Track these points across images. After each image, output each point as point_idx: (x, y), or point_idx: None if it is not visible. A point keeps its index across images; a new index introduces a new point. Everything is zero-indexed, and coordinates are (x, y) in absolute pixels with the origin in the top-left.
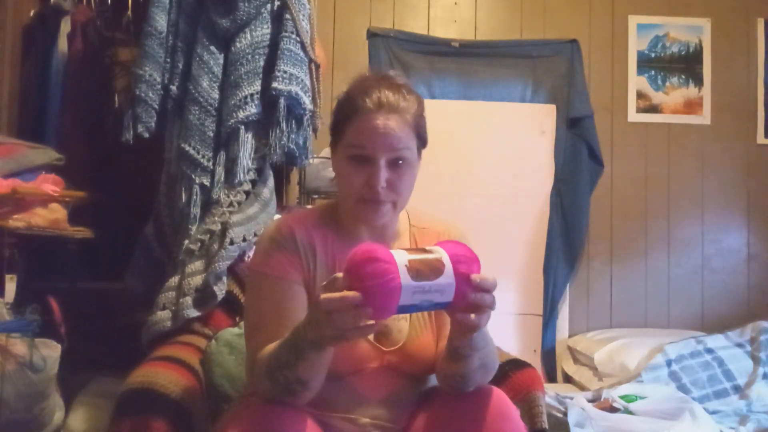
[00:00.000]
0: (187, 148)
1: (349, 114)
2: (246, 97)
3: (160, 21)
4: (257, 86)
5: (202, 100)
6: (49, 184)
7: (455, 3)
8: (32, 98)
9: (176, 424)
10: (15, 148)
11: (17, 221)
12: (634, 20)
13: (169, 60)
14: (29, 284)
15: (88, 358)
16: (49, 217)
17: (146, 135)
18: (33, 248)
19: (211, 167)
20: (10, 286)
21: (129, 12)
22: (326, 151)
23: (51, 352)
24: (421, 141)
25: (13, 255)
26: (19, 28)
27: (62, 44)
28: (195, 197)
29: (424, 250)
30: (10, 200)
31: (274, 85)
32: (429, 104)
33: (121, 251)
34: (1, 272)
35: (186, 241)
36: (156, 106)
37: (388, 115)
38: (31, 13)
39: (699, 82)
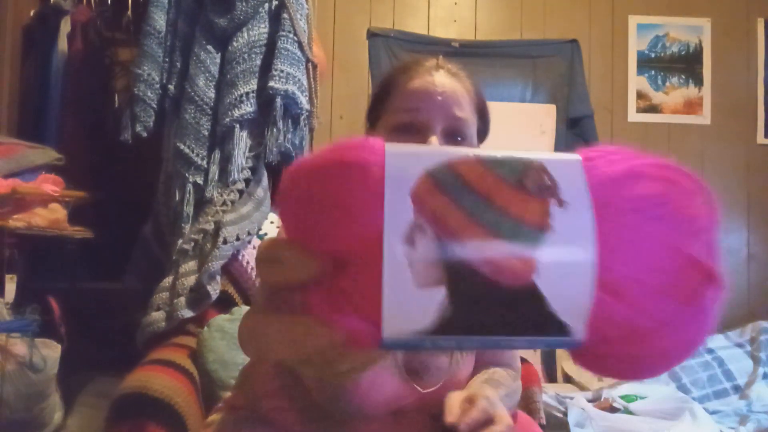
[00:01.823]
0: (182, 146)
1: (396, 81)
2: (242, 96)
3: (159, 21)
4: (253, 85)
5: (198, 99)
6: (49, 184)
7: (455, 3)
8: (32, 98)
9: (171, 427)
10: (15, 148)
11: (17, 221)
12: (634, 20)
13: (167, 59)
14: (29, 284)
15: (88, 358)
16: (49, 217)
17: (144, 134)
18: (33, 248)
19: (206, 166)
20: (10, 286)
21: (129, 12)
22: None
23: (51, 352)
24: (484, 124)
25: (13, 255)
26: (19, 28)
27: (62, 44)
28: (188, 196)
29: None
30: (10, 200)
31: (271, 84)
32: None
33: (120, 251)
34: (1, 272)
35: (180, 241)
36: (154, 106)
37: (448, 77)
38: (31, 13)
39: (699, 82)
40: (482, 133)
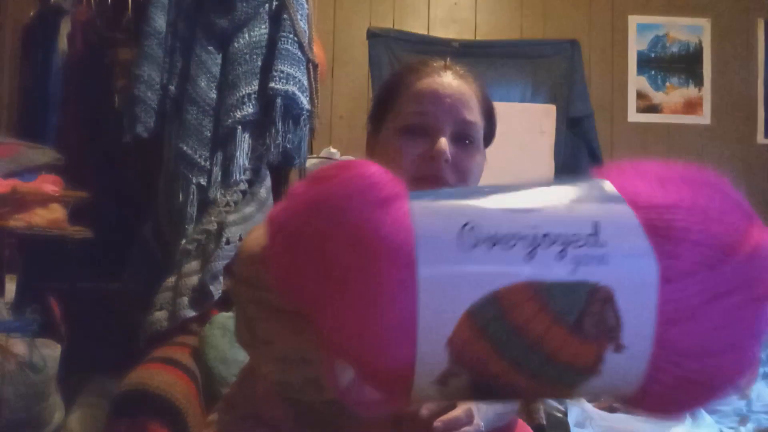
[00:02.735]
0: (185, 148)
1: (404, 81)
2: (243, 97)
3: (159, 21)
4: (254, 86)
5: (199, 100)
6: (49, 184)
7: (455, 3)
8: (32, 98)
9: (172, 425)
10: (15, 148)
11: (17, 221)
12: (634, 20)
13: (167, 60)
14: (29, 284)
15: (88, 358)
16: (49, 217)
17: (145, 135)
18: (33, 248)
19: (208, 167)
20: (10, 286)
21: (129, 12)
22: (326, 151)
23: (51, 352)
24: (490, 128)
25: (13, 255)
26: (19, 28)
27: (62, 44)
28: (192, 197)
29: None
30: (10, 200)
31: (271, 84)
32: None
33: (120, 251)
34: (1, 272)
35: (183, 241)
36: (155, 106)
37: (456, 79)
38: (31, 13)
39: (699, 82)
40: (488, 136)
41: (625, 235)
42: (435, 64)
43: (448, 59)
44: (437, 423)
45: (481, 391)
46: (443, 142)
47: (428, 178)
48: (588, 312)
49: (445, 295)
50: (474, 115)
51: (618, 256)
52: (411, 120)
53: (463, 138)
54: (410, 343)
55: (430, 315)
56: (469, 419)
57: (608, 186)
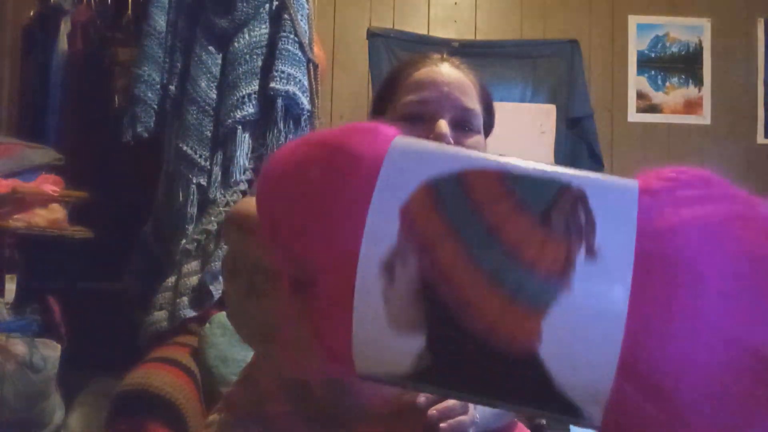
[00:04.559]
0: (185, 147)
1: (402, 74)
2: (243, 97)
3: (160, 21)
4: (255, 86)
5: (200, 100)
6: (49, 184)
7: (455, 3)
8: (32, 98)
9: (171, 425)
10: (15, 148)
11: (17, 221)
12: (634, 20)
13: (168, 60)
14: (29, 284)
15: (88, 358)
16: (49, 217)
17: (145, 135)
18: (33, 248)
19: (209, 167)
20: (10, 286)
21: (129, 12)
22: None
23: (51, 352)
24: (489, 118)
25: (13, 255)
26: (19, 28)
27: (62, 44)
28: (192, 197)
29: None
30: (10, 200)
31: (272, 85)
32: None
33: (120, 251)
34: (1, 272)
35: (183, 241)
36: (155, 106)
37: (453, 68)
38: (31, 13)
39: (699, 82)
40: (488, 126)
41: (615, 184)
42: (433, 57)
43: (445, 53)
44: (432, 411)
45: (431, 302)
46: (443, 124)
47: None
48: (557, 207)
49: (407, 161)
50: (473, 103)
51: (598, 185)
52: (410, 109)
53: (462, 125)
54: (364, 206)
55: (388, 179)
56: (464, 408)
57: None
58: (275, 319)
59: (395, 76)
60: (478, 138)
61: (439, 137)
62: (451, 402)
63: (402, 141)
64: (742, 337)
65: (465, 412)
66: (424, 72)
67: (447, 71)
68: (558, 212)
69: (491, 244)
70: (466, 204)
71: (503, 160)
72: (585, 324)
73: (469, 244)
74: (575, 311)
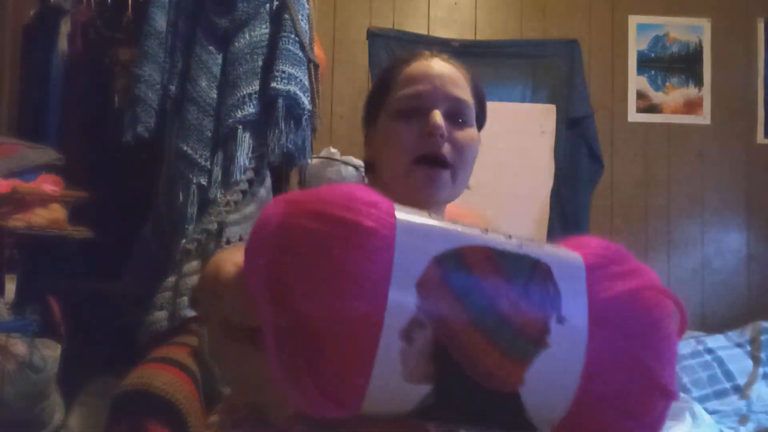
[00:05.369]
0: (185, 148)
1: (394, 72)
2: (244, 97)
3: (160, 21)
4: (255, 86)
5: (200, 99)
6: (49, 184)
7: (455, 3)
8: (32, 98)
9: (171, 425)
10: (15, 148)
11: (17, 221)
12: (634, 20)
13: (168, 60)
14: (29, 284)
15: (88, 358)
16: (49, 217)
17: (146, 135)
18: (33, 248)
19: (209, 167)
20: (10, 286)
21: (129, 12)
22: (326, 151)
23: (51, 352)
24: (481, 111)
25: (13, 255)
26: (19, 28)
27: (62, 44)
28: (192, 197)
29: None
30: (10, 200)
31: (273, 85)
32: None
33: (120, 251)
34: (1, 272)
35: (183, 241)
36: (155, 106)
37: (445, 62)
38: (31, 13)
39: (699, 82)
40: (480, 119)
41: (568, 262)
42: (423, 53)
43: (434, 50)
44: None
45: (442, 359)
46: (437, 114)
47: (427, 156)
48: (533, 281)
49: (415, 240)
50: (465, 94)
51: (553, 250)
52: (404, 104)
53: (455, 116)
54: (384, 284)
55: (403, 257)
56: None
57: None
58: (251, 369)
59: (387, 74)
60: (472, 131)
61: (434, 128)
62: None
63: (404, 217)
64: (651, 371)
65: None
66: (416, 66)
67: (438, 65)
68: (534, 286)
69: (490, 312)
70: (468, 278)
71: (485, 236)
72: (556, 371)
73: (473, 312)
74: (550, 362)
